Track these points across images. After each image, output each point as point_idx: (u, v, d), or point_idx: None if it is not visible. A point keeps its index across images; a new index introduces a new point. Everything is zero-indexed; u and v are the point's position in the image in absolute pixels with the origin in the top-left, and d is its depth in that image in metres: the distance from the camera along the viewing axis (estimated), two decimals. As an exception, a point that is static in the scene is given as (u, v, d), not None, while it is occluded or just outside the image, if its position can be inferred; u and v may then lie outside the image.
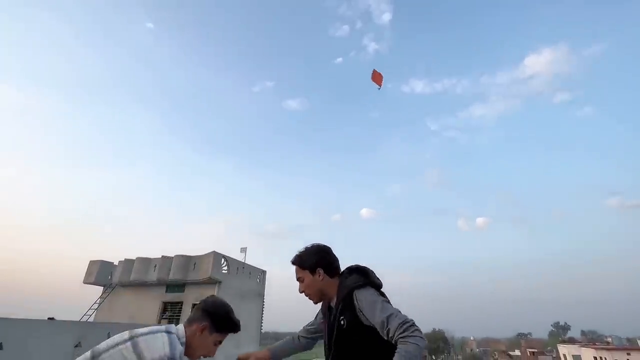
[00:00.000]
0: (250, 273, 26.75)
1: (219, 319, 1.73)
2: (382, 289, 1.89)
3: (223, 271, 24.01)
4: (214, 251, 23.42)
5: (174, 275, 23.84)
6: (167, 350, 1.48)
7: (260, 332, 26.92)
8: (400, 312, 1.68)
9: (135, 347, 1.47)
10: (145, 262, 25.04)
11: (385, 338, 1.65)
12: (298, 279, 2.07)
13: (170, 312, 24.77)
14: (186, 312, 23.74)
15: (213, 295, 1.83)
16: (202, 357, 1.72)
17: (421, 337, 1.54)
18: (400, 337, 1.56)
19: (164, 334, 1.56)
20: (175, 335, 1.59)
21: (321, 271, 1.99)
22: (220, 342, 1.75)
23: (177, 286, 24.62)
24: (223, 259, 24.20)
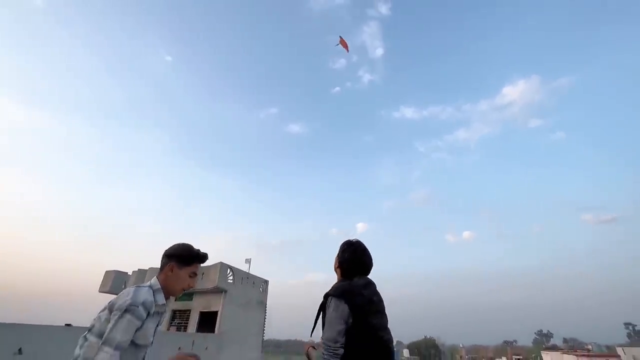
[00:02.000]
0: (254, 283, 26.29)
1: (181, 255, 1.78)
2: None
3: (229, 281, 23.78)
4: (220, 262, 23.16)
5: None
6: (128, 299, 1.52)
7: (263, 340, 26.36)
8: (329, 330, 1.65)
9: (109, 303, 1.58)
10: (157, 272, 23.75)
11: None
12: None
13: (179, 319, 24.39)
14: (194, 320, 23.28)
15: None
16: (183, 289, 1.80)
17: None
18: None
19: (133, 288, 1.63)
20: (145, 288, 1.64)
21: (339, 271, 1.91)
22: (195, 274, 1.82)
23: (186, 295, 24.03)
24: (229, 269, 23.92)
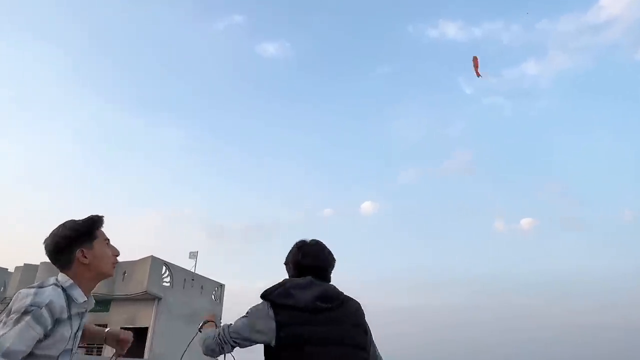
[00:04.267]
0: (202, 287, 23.76)
1: (79, 231, 1.55)
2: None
3: (164, 283, 21.38)
4: (151, 256, 20.82)
5: (95, 288, 18.47)
6: (27, 300, 1.34)
7: (214, 365, 23.06)
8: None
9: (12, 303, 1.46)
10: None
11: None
12: None
13: (87, 339, 19.33)
14: None
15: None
16: (113, 261, 1.65)
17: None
18: None
19: (35, 287, 1.43)
20: (50, 287, 1.41)
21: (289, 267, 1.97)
22: (107, 239, 1.65)
23: (99, 303, 19.57)
24: (164, 267, 21.48)
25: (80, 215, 1.55)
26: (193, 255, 24.28)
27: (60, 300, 1.40)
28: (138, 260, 20.77)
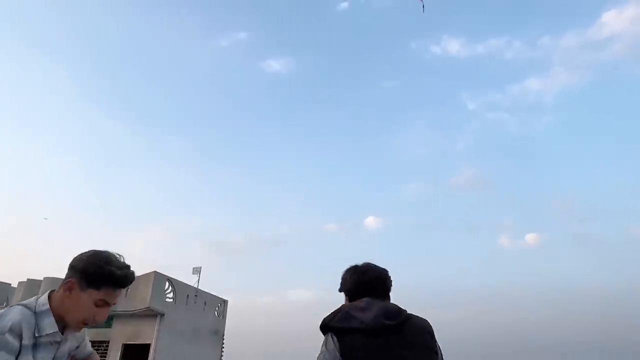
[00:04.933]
0: (205, 303, 23.39)
1: (86, 271, 1.37)
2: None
3: (167, 299, 21.02)
4: (154, 271, 20.42)
5: None
6: None
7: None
8: None
9: None
10: (56, 283, 19.09)
11: None
12: None
13: None
14: (114, 356, 20.03)
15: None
16: (84, 323, 1.40)
17: None
18: None
19: (3, 309, 1.33)
20: (18, 308, 1.31)
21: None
22: (104, 302, 1.39)
23: None
24: (167, 283, 21.16)
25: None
26: (196, 270, 23.97)
27: (25, 324, 1.28)
28: (141, 275, 19.65)
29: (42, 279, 21.34)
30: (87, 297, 1.35)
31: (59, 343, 1.38)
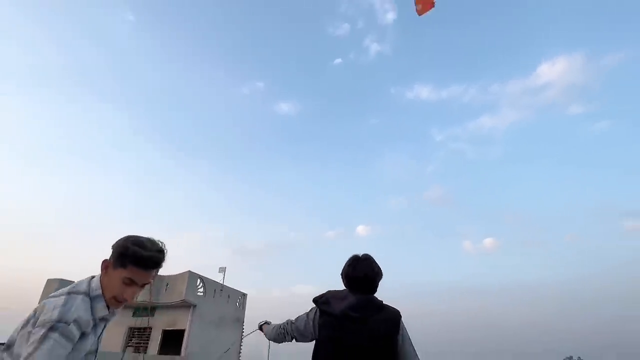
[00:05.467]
0: (229, 296, 24.46)
1: (118, 251, 1.40)
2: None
3: (199, 293, 21.79)
4: (189, 271, 21.26)
5: (143, 297, 20.11)
6: (54, 313, 1.22)
7: (239, 363, 24.17)
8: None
9: (34, 312, 1.30)
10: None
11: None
12: None
13: (137, 339, 21.93)
14: (155, 339, 21.14)
15: None
16: (116, 299, 1.41)
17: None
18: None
19: (64, 296, 1.31)
20: (80, 296, 1.32)
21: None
22: (131, 281, 1.39)
23: (146, 309, 21.54)
24: (199, 280, 21.99)
25: (140, 235, 1.43)
26: (222, 270, 24.77)
27: (87, 315, 1.30)
28: (178, 274, 21.60)
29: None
30: (117, 275, 1.38)
31: (106, 319, 1.44)
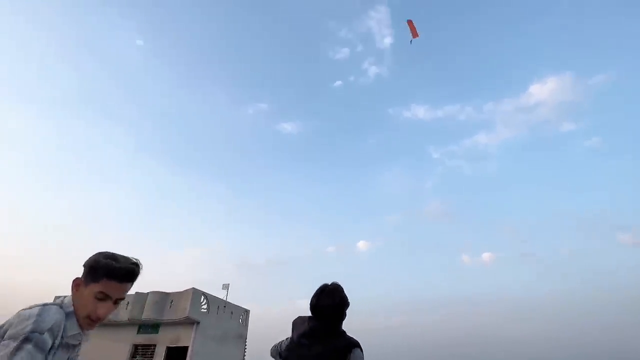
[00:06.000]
0: (232, 312, 24.60)
1: (90, 265, 1.36)
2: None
3: (202, 310, 21.89)
4: (193, 288, 21.47)
5: (147, 314, 21.12)
6: (29, 324, 1.17)
7: (241, 380, 24.05)
8: None
9: (8, 322, 1.24)
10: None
11: None
12: None
13: (141, 356, 21.85)
14: (159, 356, 21.03)
15: None
16: (89, 318, 1.33)
17: None
18: None
19: (39, 307, 1.26)
20: (54, 307, 1.28)
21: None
22: (104, 295, 1.32)
23: (151, 326, 21.73)
24: (203, 297, 22.15)
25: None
26: (225, 286, 25.01)
27: (60, 324, 1.25)
28: (182, 291, 21.73)
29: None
30: (90, 291, 1.32)
31: (75, 346, 1.35)
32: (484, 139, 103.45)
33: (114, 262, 1.35)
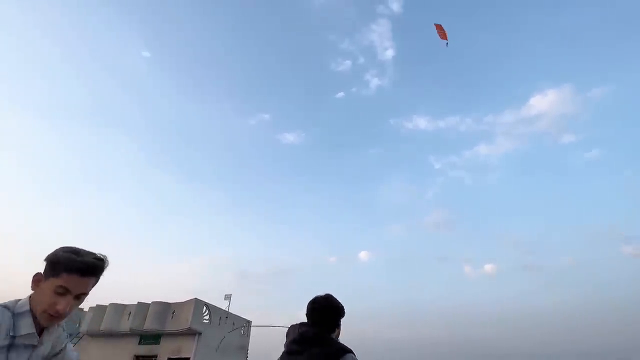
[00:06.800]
0: (234, 323, 24.41)
1: (50, 260, 1.30)
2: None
3: (204, 321, 21.72)
4: (195, 298, 21.30)
5: (149, 325, 20.93)
6: None
7: (243, 392, 23.78)
8: None
9: None
10: (119, 308, 21.84)
11: None
12: None
13: None
14: None
15: None
16: (47, 313, 1.27)
17: None
18: None
19: None
20: (0, 308, 1.23)
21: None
22: (64, 289, 1.26)
23: (152, 337, 21.52)
24: (205, 307, 22.01)
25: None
26: (227, 297, 24.62)
27: (6, 322, 1.20)
28: (184, 302, 21.59)
29: (107, 304, 22.42)
30: (49, 286, 1.27)
31: (34, 346, 1.28)
32: (485, 150, 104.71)
33: (74, 256, 1.31)
